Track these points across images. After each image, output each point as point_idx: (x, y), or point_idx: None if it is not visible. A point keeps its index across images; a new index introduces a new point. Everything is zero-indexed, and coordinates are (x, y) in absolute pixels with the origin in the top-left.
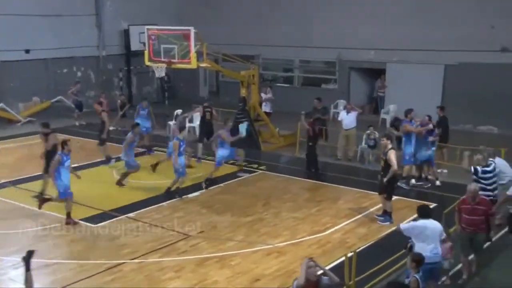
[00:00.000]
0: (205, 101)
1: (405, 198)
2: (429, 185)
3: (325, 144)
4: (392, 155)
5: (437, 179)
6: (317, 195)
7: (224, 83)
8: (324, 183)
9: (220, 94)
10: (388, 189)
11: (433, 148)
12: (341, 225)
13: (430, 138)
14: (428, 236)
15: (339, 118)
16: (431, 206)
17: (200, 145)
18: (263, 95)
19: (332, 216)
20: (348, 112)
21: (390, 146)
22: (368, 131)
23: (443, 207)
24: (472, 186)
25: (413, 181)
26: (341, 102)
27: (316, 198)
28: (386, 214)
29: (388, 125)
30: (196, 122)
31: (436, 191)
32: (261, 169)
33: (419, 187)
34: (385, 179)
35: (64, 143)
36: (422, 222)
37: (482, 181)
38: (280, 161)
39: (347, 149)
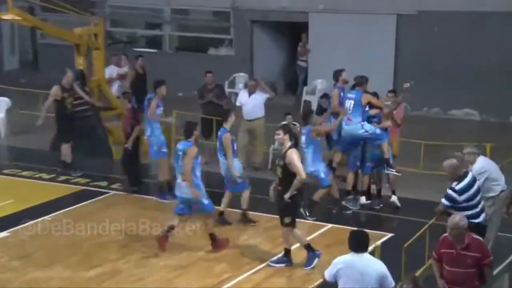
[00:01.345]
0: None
1: (345, 227)
2: (381, 205)
3: (210, 144)
4: (296, 157)
5: (393, 193)
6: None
7: (45, 47)
8: (217, 207)
9: (40, 67)
10: (290, 211)
11: (382, 141)
12: (245, 275)
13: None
14: (355, 280)
15: (238, 103)
16: (384, 238)
17: None
18: (113, 68)
19: (230, 261)
20: (251, 93)
21: (288, 143)
22: (285, 122)
23: (401, 239)
24: (457, 218)
25: (362, 199)
26: (240, 77)
27: (206, 233)
28: (309, 251)
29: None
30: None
31: (393, 213)
32: (113, 189)
33: (367, 207)
34: (286, 196)
35: None
36: (346, 258)
37: (462, 204)
38: (146, 174)
39: (252, 152)
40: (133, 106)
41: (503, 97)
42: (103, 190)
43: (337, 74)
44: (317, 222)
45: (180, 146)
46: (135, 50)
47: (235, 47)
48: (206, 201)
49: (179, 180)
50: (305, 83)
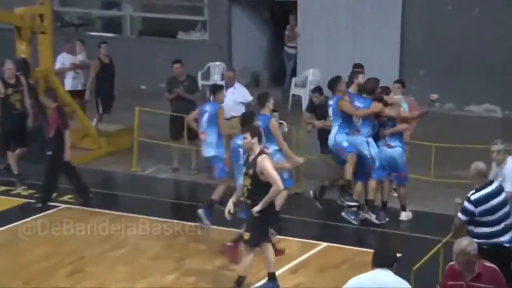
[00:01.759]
0: None
1: (342, 246)
2: (387, 219)
3: (189, 147)
4: (268, 164)
5: (403, 208)
6: (175, 248)
7: None
8: (186, 222)
9: None
10: (255, 227)
11: (399, 146)
12: None
13: (387, 131)
14: None
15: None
16: None
17: None
18: (66, 57)
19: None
20: (229, 86)
21: (258, 148)
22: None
23: (409, 260)
24: (464, 242)
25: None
26: (216, 67)
27: (173, 255)
28: (269, 280)
29: (304, 106)
30: None
31: (400, 229)
32: (63, 202)
33: (368, 221)
34: (255, 210)
35: None
36: (363, 278)
37: (481, 218)
38: (104, 185)
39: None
40: (59, 106)
41: None
42: (50, 204)
43: (334, 83)
44: (310, 241)
45: (240, 141)
46: (89, 35)
47: (210, 31)
48: None
49: (240, 182)
50: (294, 73)
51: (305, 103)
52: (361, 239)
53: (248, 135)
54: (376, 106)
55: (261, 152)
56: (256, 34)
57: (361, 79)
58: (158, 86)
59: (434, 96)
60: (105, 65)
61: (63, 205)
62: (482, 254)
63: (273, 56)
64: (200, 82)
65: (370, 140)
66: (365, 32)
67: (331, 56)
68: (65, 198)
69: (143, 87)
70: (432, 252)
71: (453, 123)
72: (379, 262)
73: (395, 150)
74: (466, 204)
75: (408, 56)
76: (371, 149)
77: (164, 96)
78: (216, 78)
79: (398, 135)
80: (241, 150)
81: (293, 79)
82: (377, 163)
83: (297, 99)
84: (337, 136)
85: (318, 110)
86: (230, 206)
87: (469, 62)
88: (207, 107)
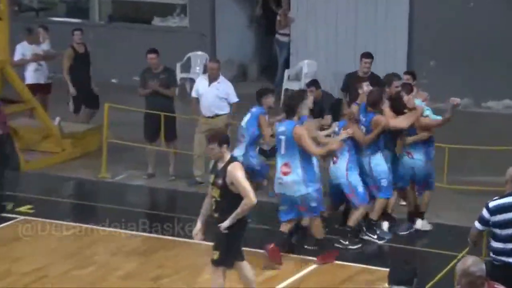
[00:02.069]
0: None
1: (340, 263)
2: (412, 229)
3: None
4: (240, 173)
5: (421, 215)
6: (151, 266)
7: None
8: (163, 236)
9: None
10: (224, 244)
11: (419, 160)
12: None
13: (410, 138)
14: None
15: (193, 93)
16: None
17: None
18: (26, 46)
19: None
20: (212, 80)
21: (227, 154)
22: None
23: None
24: (468, 261)
25: (385, 225)
26: (198, 58)
27: (149, 273)
28: None
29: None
30: None
31: (410, 243)
32: (22, 213)
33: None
34: (223, 226)
35: None
36: None
37: (494, 230)
38: (68, 194)
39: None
40: None
41: None
42: (8, 215)
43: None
44: (305, 257)
45: (281, 127)
46: (52, 20)
47: (191, 16)
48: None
49: (279, 175)
50: (286, 65)
51: None
52: (363, 255)
53: (214, 145)
54: (377, 123)
55: (232, 159)
56: (243, 20)
57: (366, 87)
58: (131, 79)
59: (456, 101)
60: (79, 55)
61: (21, 217)
62: (494, 271)
63: (263, 46)
64: (179, 75)
65: (373, 156)
66: (368, 17)
67: (329, 45)
68: (23, 208)
69: (113, 80)
70: (446, 269)
71: (469, 121)
72: (396, 278)
73: (415, 162)
74: (483, 211)
75: (417, 45)
76: (374, 167)
77: (138, 91)
78: (197, 71)
79: (421, 145)
80: (282, 138)
81: (286, 72)
82: (384, 182)
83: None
84: (350, 176)
85: (315, 106)
86: (197, 228)
87: (488, 53)
88: (282, 127)
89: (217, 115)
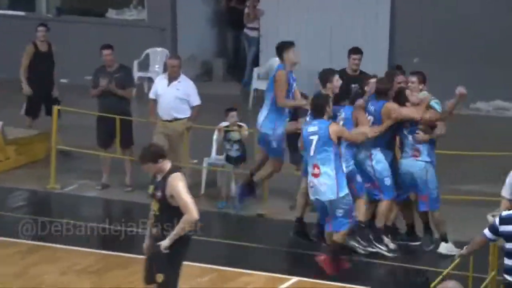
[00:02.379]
0: None
1: (318, 281)
2: (430, 246)
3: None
4: (181, 184)
5: (443, 238)
6: (105, 283)
7: None
8: (120, 253)
9: None
10: (166, 265)
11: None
12: None
13: (423, 136)
14: None
15: (151, 94)
16: None
17: None
18: None
19: None
20: (172, 79)
21: (166, 165)
22: (226, 123)
23: None
24: (449, 285)
25: (389, 243)
26: (157, 54)
27: None
28: None
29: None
30: None
31: (411, 262)
32: None
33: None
34: (163, 245)
35: None
36: None
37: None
38: (13, 207)
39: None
40: None
41: None
42: None
43: (326, 75)
44: (278, 275)
45: (311, 127)
46: None
47: (149, 9)
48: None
49: (312, 178)
50: (256, 62)
51: None
52: (342, 272)
53: (149, 165)
54: (390, 112)
55: (173, 170)
56: (208, 13)
57: (336, 80)
58: (83, 78)
59: (461, 90)
60: (41, 53)
61: None
62: None
63: (230, 41)
64: (137, 74)
65: (374, 152)
66: (346, 9)
67: (302, 40)
68: None
69: (63, 80)
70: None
71: (457, 124)
72: None
73: (416, 164)
74: (495, 218)
75: (399, 40)
76: (375, 165)
77: (90, 92)
78: (156, 69)
79: (428, 144)
80: (313, 139)
81: (255, 70)
82: (387, 180)
83: (261, 94)
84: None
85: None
86: (146, 245)
87: (476, 50)
88: (313, 127)
89: (176, 119)
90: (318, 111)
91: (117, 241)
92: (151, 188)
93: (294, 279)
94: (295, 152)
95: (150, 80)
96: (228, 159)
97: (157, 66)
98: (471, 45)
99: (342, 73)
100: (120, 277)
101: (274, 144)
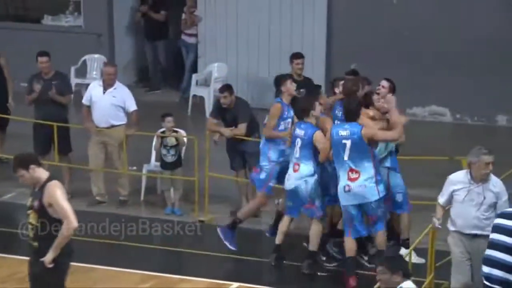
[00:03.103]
0: None
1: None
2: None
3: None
4: (59, 193)
5: (401, 242)
6: None
7: None
8: None
9: None
10: (52, 282)
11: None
12: None
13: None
14: None
15: (84, 100)
16: None
17: None
18: None
19: None
20: (107, 87)
21: (42, 173)
22: (163, 129)
23: None
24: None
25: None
26: (95, 61)
27: None
28: None
29: (208, 110)
30: None
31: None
32: None
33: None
34: (46, 260)
35: None
36: None
37: None
38: None
39: (113, 177)
40: None
41: (486, 90)
42: None
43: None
44: (218, 281)
45: (343, 131)
46: None
47: (85, 15)
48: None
49: (349, 182)
50: (194, 69)
51: (209, 106)
52: (283, 277)
53: (22, 172)
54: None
55: (50, 178)
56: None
57: (289, 84)
58: (18, 85)
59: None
60: None
61: None
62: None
63: (168, 47)
64: (74, 80)
65: None
66: (283, 14)
67: (240, 46)
68: None
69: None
70: None
71: None
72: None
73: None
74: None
75: (337, 46)
76: None
77: (25, 99)
78: (94, 75)
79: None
80: (346, 143)
81: (194, 76)
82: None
83: (199, 101)
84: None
85: (227, 114)
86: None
87: (412, 55)
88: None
89: (113, 126)
90: (350, 116)
91: None
92: (29, 200)
93: (235, 284)
94: (235, 158)
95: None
96: (164, 164)
97: (94, 72)
98: (408, 50)
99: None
100: None
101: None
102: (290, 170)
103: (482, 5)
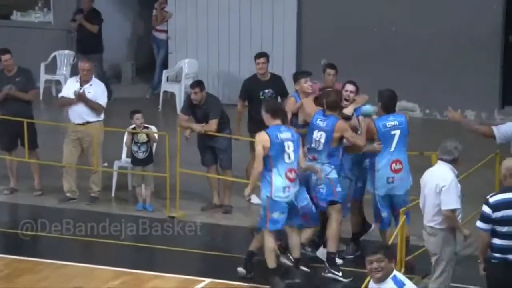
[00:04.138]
0: None
1: (234, 283)
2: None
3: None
4: None
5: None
6: None
7: None
8: (29, 258)
9: None
10: None
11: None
12: None
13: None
14: None
15: (63, 94)
16: None
17: None
18: None
19: None
20: (84, 83)
21: None
22: (133, 125)
23: None
24: None
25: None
26: (65, 57)
27: None
28: None
29: (179, 106)
30: None
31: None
32: None
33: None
34: None
35: None
36: None
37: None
38: None
39: (86, 173)
40: None
41: (455, 85)
42: None
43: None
44: (190, 277)
45: (392, 121)
46: None
47: (55, 11)
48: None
49: (393, 174)
50: (165, 65)
51: (180, 102)
52: (254, 273)
53: None
54: (344, 130)
55: None
56: (116, 15)
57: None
58: None
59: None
60: None
61: None
62: (492, 269)
63: (140, 43)
64: (44, 77)
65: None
66: (254, 11)
67: (211, 43)
68: None
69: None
70: None
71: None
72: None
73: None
74: (483, 208)
75: (307, 41)
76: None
77: None
78: (64, 71)
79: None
80: (395, 133)
81: (164, 72)
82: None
83: (170, 97)
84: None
85: (198, 110)
86: None
87: (382, 51)
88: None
89: (88, 122)
90: (277, 114)
91: (26, 245)
92: None
93: (207, 280)
94: (206, 154)
95: (58, 83)
96: (135, 161)
97: (64, 68)
98: (377, 47)
99: (253, 79)
100: (32, 282)
101: None
102: None
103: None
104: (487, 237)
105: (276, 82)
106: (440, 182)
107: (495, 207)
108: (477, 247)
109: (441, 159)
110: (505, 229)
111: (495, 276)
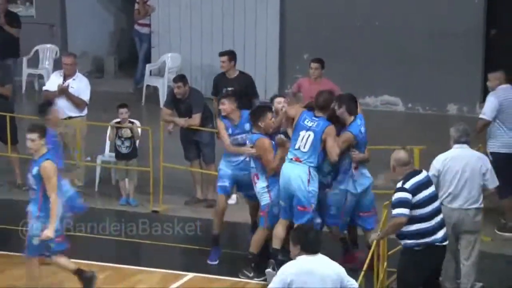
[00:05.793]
0: None
1: (218, 277)
2: None
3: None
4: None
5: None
6: None
7: None
8: (11, 253)
9: None
10: None
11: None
12: None
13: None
14: None
15: (47, 87)
16: None
17: None
18: None
19: None
20: (67, 77)
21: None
22: (118, 120)
23: None
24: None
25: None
26: (47, 51)
27: None
28: None
29: (162, 100)
30: None
31: None
32: None
33: None
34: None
35: None
36: (299, 263)
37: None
38: None
39: (69, 167)
40: None
41: (437, 79)
42: None
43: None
44: (172, 271)
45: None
46: None
47: (37, 5)
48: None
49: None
50: (148, 59)
51: (163, 96)
52: (237, 267)
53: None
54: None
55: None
56: (98, 9)
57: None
58: None
59: None
60: None
61: None
62: (416, 256)
63: (122, 37)
64: (26, 71)
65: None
66: (237, 5)
67: (194, 37)
68: None
69: None
70: None
71: None
72: (310, 246)
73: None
74: (400, 195)
75: (289, 36)
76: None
77: None
78: (46, 65)
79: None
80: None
81: (147, 66)
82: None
83: (153, 91)
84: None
85: (181, 104)
86: None
87: (364, 46)
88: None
89: (70, 117)
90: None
91: (7, 240)
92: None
93: (190, 275)
94: (189, 148)
95: (40, 77)
96: (119, 155)
97: (47, 62)
98: (360, 41)
99: (221, 75)
100: (13, 278)
101: None
102: None
103: None
104: (405, 221)
105: (242, 80)
106: (484, 163)
107: (413, 191)
108: (386, 231)
109: (465, 142)
110: (427, 209)
111: (421, 262)
